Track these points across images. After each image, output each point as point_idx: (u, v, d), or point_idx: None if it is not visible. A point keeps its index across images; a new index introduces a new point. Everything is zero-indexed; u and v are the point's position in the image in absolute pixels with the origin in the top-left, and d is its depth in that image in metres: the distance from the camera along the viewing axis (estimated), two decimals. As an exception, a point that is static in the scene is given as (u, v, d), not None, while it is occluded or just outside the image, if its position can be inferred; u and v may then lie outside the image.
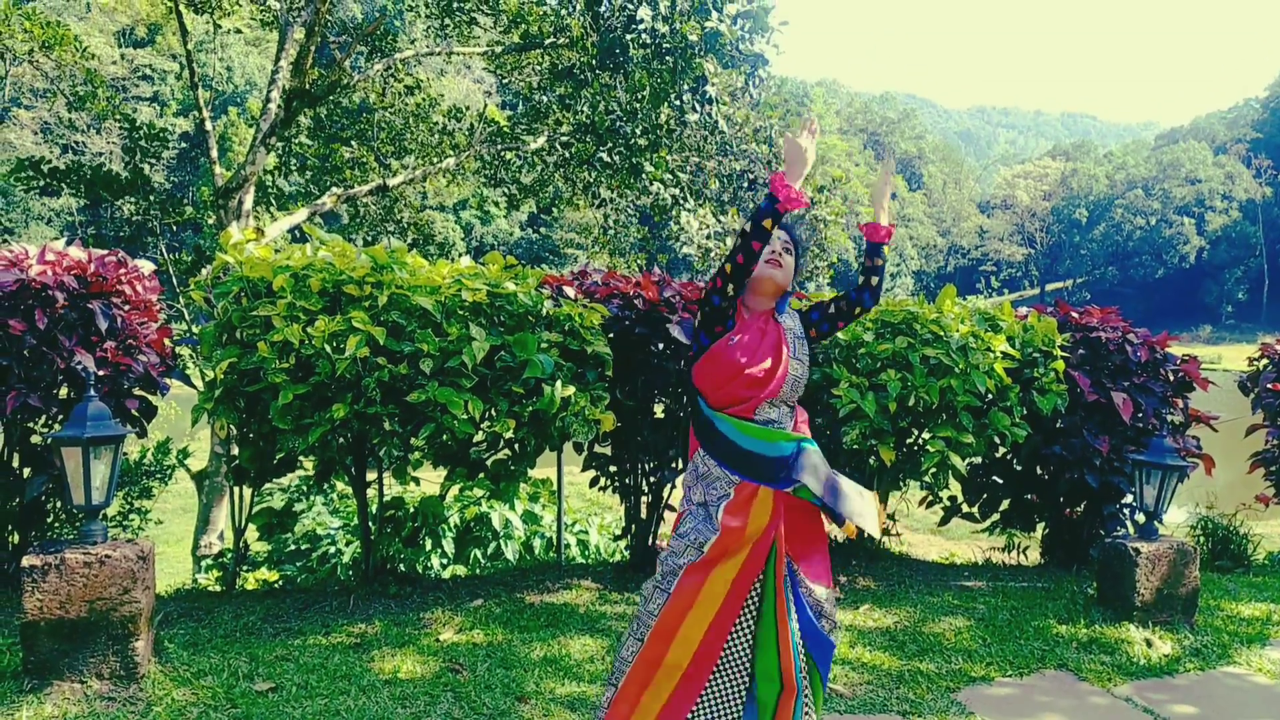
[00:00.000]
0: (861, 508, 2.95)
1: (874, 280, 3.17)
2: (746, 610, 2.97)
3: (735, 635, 2.96)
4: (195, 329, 4.77)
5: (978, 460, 6.11)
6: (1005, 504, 6.27)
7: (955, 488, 6.12)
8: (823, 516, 3.05)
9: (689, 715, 2.91)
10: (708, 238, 11.13)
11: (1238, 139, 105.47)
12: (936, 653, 4.45)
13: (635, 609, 3.11)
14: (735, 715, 2.96)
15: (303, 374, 4.18)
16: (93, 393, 3.60)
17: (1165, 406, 5.84)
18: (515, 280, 4.67)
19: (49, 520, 4.56)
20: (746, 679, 2.98)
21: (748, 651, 2.98)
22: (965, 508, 6.29)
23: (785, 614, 2.96)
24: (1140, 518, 5.01)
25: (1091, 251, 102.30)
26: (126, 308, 4.30)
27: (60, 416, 4.21)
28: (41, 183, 10.52)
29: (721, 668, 2.96)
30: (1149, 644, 4.59)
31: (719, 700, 2.95)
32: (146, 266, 4.51)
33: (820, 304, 3.22)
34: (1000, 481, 6.24)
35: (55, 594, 3.40)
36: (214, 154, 11.13)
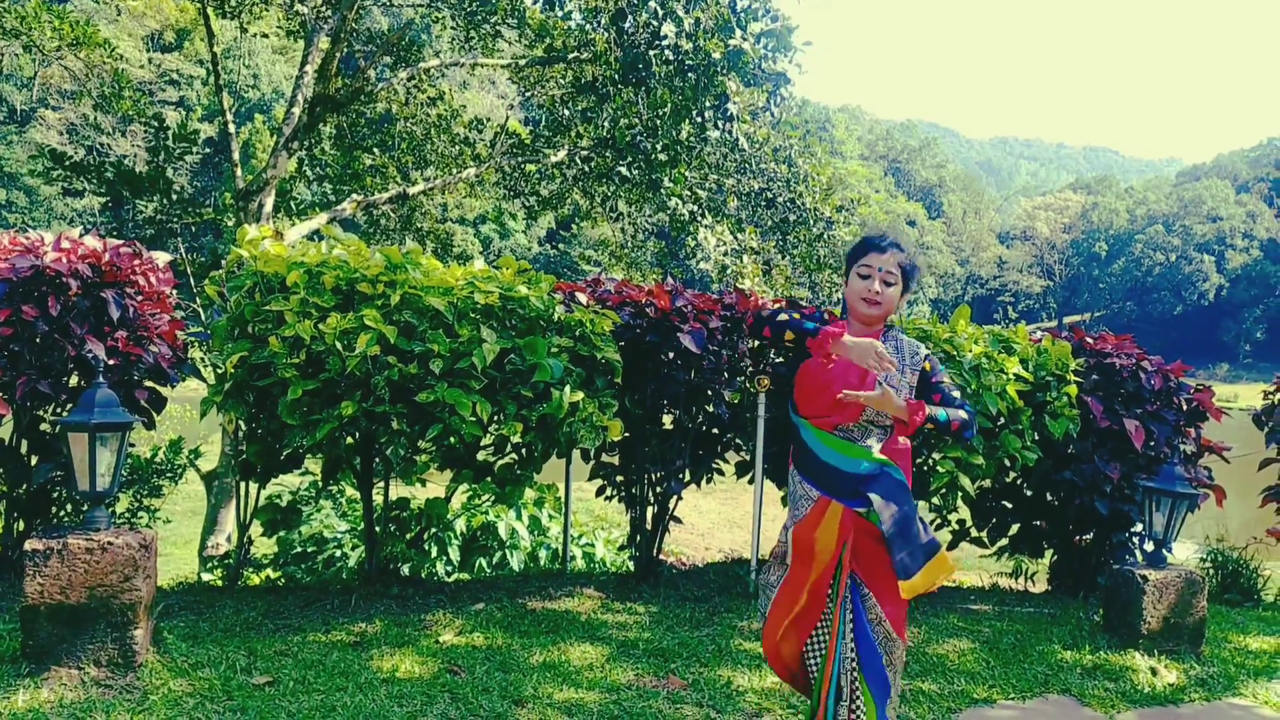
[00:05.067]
0: (911, 560, 2.92)
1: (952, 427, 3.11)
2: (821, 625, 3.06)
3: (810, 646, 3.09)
4: (208, 324, 4.78)
5: (987, 484, 6.06)
6: (1014, 529, 6.22)
7: (964, 512, 6.08)
8: None
9: None
10: (725, 254, 11.12)
11: (1260, 177, 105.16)
12: (939, 673, 4.41)
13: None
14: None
15: (313, 370, 4.19)
16: (102, 380, 3.62)
17: (1178, 435, 5.79)
18: (528, 284, 4.67)
19: (55, 508, 4.57)
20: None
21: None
22: (973, 532, 6.24)
23: (836, 634, 2.99)
24: (1149, 546, 4.96)
25: (1110, 285, 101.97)
26: (139, 298, 4.32)
27: (70, 404, 4.23)
28: (63, 176, 10.58)
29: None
30: (1154, 672, 4.53)
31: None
32: (161, 258, 4.54)
33: (935, 385, 3.15)
34: (1009, 506, 6.19)
35: (56, 579, 3.40)
36: (236, 156, 11.21)
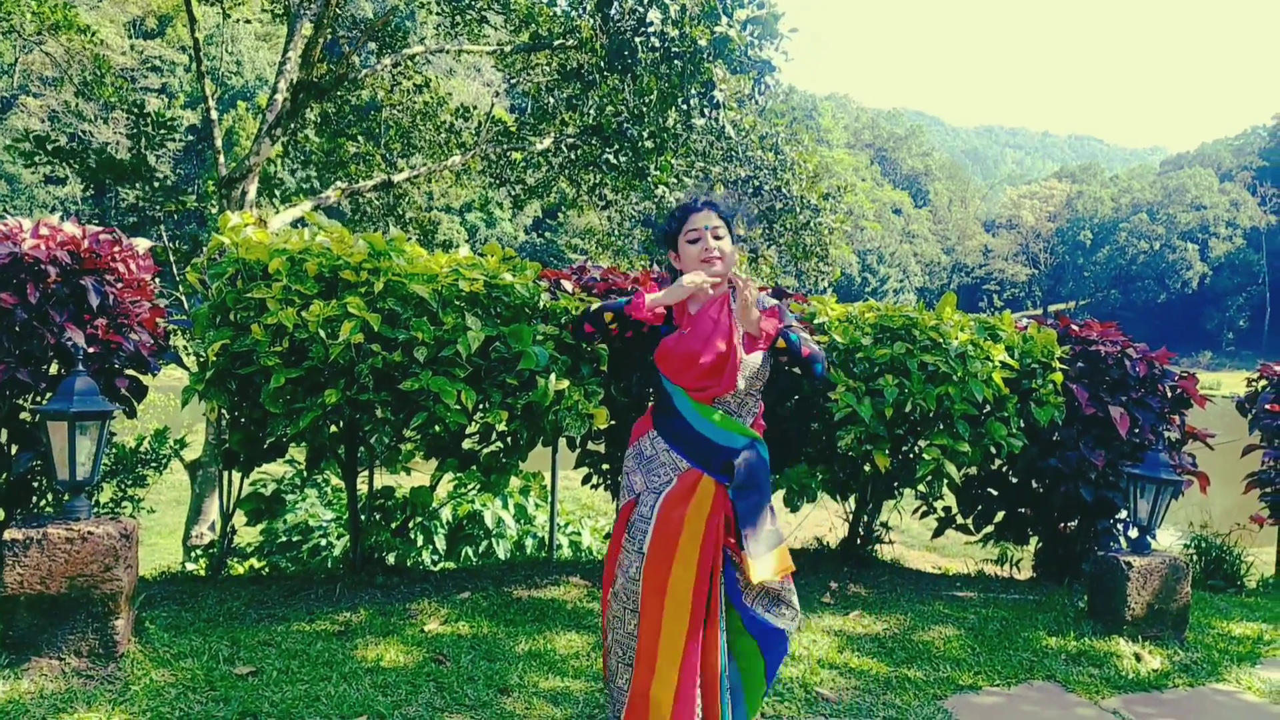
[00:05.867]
0: (758, 548, 2.89)
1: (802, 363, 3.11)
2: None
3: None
4: (191, 312, 4.74)
5: (973, 471, 6.08)
6: (999, 516, 6.23)
7: (949, 500, 6.09)
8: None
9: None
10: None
11: (1244, 166, 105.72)
12: (925, 660, 4.41)
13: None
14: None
15: (296, 358, 4.15)
16: (81, 368, 3.58)
17: (1162, 422, 5.81)
18: (513, 272, 4.64)
19: (35, 498, 4.52)
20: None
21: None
22: (959, 519, 6.25)
23: (717, 612, 2.94)
24: (1133, 532, 4.97)
25: (1095, 274, 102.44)
26: (119, 285, 4.26)
27: (49, 392, 4.18)
28: (45, 161, 10.49)
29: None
30: (1138, 658, 4.55)
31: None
32: (142, 244, 4.49)
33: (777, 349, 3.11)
34: (995, 494, 6.21)
35: (36, 569, 3.37)
36: (219, 143, 11.12)
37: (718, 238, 3.05)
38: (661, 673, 2.84)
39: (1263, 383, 7.13)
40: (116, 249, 4.26)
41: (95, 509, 4.07)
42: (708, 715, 2.93)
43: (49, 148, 10.43)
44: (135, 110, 11.17)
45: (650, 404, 3.15)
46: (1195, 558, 6.81)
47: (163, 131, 11.41)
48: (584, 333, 3.13)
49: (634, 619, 2.93)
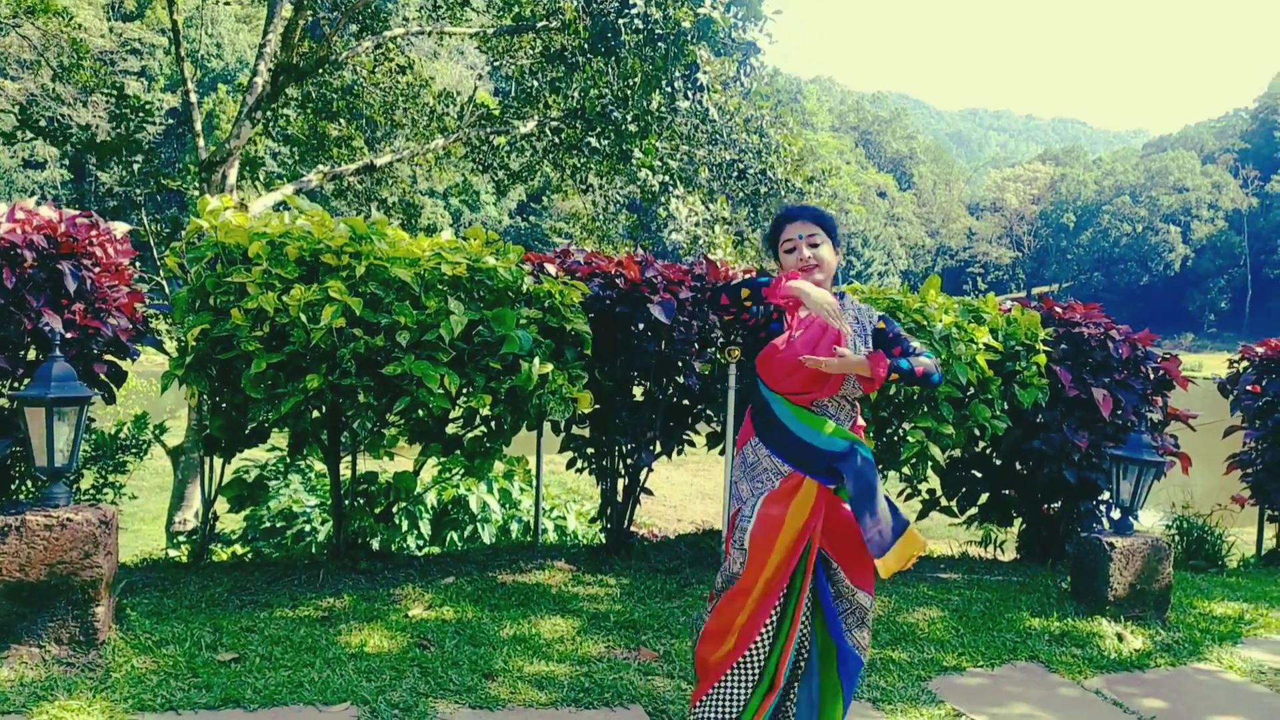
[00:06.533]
0: (883, 538, 2.90)
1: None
2: (777, 606, 2.98)
3: (763, 630, 2.97)
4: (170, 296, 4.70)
5: (957, 453, 6.09)
6: (983, 498, 6.26)
7: (934, 482, 6.10)
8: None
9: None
10: (696, 225, 11.05)
11: (1226, 149, 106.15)
12: (909, 642, 4.43)
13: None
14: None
15: (277, 343, 4.12)
16: (58, 353, 3.54)
17: (1145, 404, 5.83)
18: (496, 255, 4.61)
19: (14, 485, 4.48)
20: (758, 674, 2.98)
21: (766, 648, 2.98)
22: (943, 501, 6.27)
23: (800, 614, 2.96)
24: (1116, 513, 4.99)
25: (1078, 257, 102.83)
26: (97, 270, 4.21)
27: (26, 379, 4.13)
28: (26, 139, 10.37)
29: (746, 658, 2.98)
30: (1120, 638, 4.58)
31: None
32: (120, 228, 4.43)
33: (893, 340, 3.10)
34: (979, 476, 6.23)
35: (15, 556, 3.33)
36: (199, 126, 11.00)
37: (814, 245, 3.02)
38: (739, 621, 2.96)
39: (1244, 364, 7.17)
40: (94, 233, 4.21)
41: (75, 496, 4.04)
42: (782, 680, 2.98)
43: (31, 123, 10.30)
44: (116, 93, 11.03)
45: (750, 408, 3.14)
46: (1177, 538, 6.85)
47: (141, 115, 11.28)
48: (719, 304, 3.09)
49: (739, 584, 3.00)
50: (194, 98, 11.34)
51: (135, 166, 10.55)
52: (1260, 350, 7.10)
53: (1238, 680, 4.27)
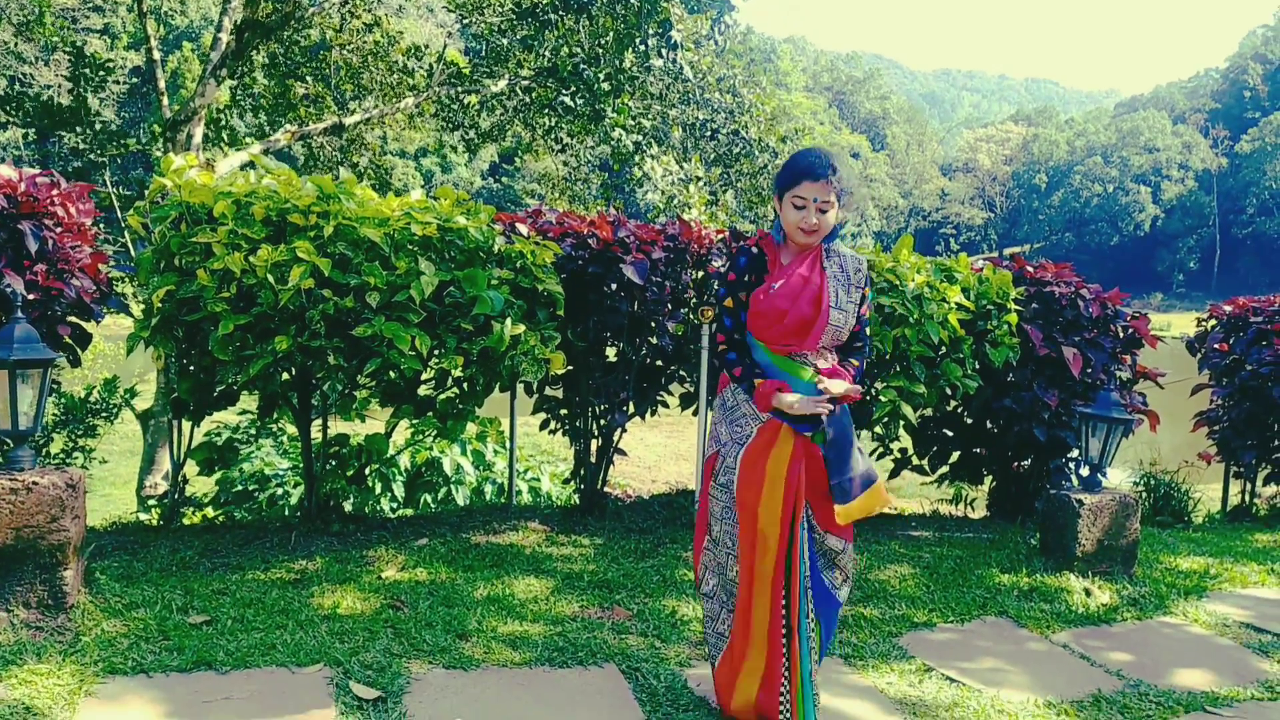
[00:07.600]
0: (851, 485, 2.94)
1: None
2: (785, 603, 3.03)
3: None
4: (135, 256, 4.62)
5: (929, 412, 6.12)
6: (954, 457, 6.30)
7: (906, 441, 6.14)
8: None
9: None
10: (671, 184, 10.99)
11: (1196, 109, 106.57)
12: (881, 599, 4.47)
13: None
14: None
15: (244, 304, 4.07)
16: (21, 315, 3.48)
17: (1114, 362, 5.88)
18: (467, 215, 4.56)
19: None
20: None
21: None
22: (915, 460, 6.31)
23: (799, 559, 2.99)
24: (1085, 470, 5.05)
25: (1049, 217, 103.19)
26: (59, 230, 4.13)
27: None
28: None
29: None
30: (1088, 593, 4.64)
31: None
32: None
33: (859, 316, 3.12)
34: (950, 434, 6.27)
35: (-20, 521, 3.29)
36: (162, 85, 10.81)
37: (823, 211, 2.94)
38: (757, 621, 3.01)
39: (1212, 323, 7.24)
40: (55, 193, 4.13)
41: (44, 460, 3.99)
42: (790, 662, 3.00)
43: None
44: (74, 52, 10.81)
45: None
46: (1144, 495, 6.95)
47: (102, 74, 11.06)
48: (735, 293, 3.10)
49: (735, 565, 3.04)
50: (157, 55, 11.13)
51: (93, 132, 10.35)
52: (1228, 309, 7.17)
53: (1203, 633, 4.34)
